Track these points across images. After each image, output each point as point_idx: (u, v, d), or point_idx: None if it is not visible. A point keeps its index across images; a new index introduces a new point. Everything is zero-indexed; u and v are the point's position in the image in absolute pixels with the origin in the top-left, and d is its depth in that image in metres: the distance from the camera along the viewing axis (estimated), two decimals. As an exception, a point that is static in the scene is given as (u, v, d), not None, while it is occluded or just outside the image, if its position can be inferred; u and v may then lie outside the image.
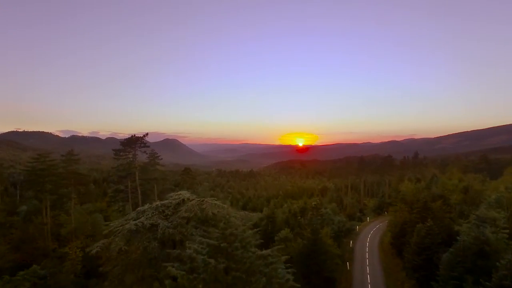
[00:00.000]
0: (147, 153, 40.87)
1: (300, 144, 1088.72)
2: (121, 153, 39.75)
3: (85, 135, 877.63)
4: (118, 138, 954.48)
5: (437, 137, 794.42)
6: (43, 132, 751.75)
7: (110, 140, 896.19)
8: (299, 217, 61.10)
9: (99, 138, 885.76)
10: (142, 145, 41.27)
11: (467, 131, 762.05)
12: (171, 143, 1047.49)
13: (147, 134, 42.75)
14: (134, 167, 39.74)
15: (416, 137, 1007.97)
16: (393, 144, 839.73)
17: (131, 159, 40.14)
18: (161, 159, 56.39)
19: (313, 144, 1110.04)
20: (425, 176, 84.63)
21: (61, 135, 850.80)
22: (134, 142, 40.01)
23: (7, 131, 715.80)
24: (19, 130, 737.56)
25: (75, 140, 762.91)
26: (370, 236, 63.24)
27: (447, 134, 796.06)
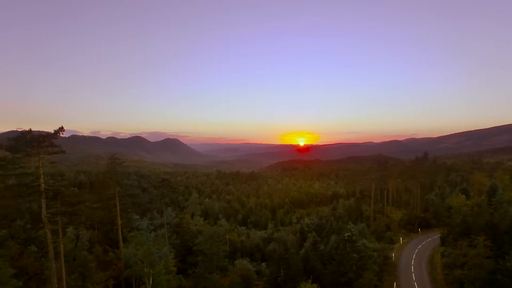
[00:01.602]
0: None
1: (301, 144, 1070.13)
2: (10, 165, 21.08)
3: (86, 134, 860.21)
4: (119, 137, 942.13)
5: (439, 137, 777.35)
6: (42, 131, 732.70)
7: (111, 140, 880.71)
8: (320, 248, 43.83)
9: (99, 138, 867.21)
10: (51, 148, 23.93)
11: (469, 131, 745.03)
12: (172, 143, 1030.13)
13: (61, 128, 25.38)
14: (37, 189, 21.50)
15: (417, 136, 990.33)
16: (394, 143, 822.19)
17: (34, 171, 21.95)
18: (126, 166, 39.65)
19: (314, 144, 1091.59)
20: (471, 185, 67.12)
21: (61, 134, 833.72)
22: (37, 143, 22.53)
23: (7, 130, 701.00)
24: (19, 130, 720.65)
25: (75, 139, 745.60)
26: (414, 270, 46.21)
27: (449, 133, 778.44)
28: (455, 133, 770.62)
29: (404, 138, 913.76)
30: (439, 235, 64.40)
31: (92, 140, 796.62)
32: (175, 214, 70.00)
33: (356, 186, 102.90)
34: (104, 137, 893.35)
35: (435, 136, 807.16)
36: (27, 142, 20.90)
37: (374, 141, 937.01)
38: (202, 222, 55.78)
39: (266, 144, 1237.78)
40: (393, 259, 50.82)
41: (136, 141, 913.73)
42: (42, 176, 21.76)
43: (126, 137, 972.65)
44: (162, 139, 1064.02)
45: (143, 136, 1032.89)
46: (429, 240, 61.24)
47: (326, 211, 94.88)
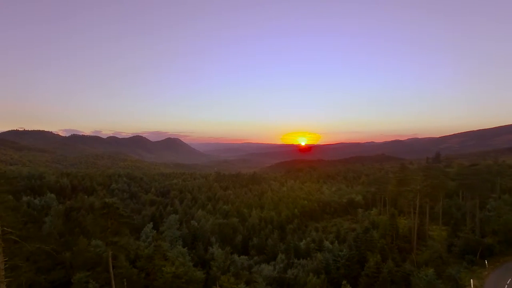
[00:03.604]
0: None
1: (303, 144, 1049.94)
2: None
3: (87, 134, 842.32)
4: (120, 137, 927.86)
5: (441, 137, 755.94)
6: (43, 131, 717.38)
7: (111, 139, 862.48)
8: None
9: (100, 137, 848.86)
10: None
11: (472, 131, 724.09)
12: (173, 143, 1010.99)
13: None
14: None
15: (419, 136, 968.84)
16: (396, 143, 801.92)
17: None
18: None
19: (315, 144, 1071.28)
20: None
21: (63, 134, 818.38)
22: None
23: (9, 129, 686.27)
24: (20, 129, 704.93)
25: (76, 139, 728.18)
26: None
27: (451, 133, 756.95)
28: (457, 133, 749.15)
29: (406, 138, 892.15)
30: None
31: (92, 140, 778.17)
32: (152, 237, 51.23)
33: (381, 195, 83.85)
34: (105, 137, 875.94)
35: (438, 136, 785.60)
36: None
37: (376, 141, 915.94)
38: (182, 260, 36.83)
39: (267, 144, 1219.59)
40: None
41: (137, 141, 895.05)
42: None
43: (127, 137, 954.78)
44: (163, 138, 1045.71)
45: (144, 135, 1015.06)
46: (511, 282, 42.51)
47: (346, 226, 76.10)
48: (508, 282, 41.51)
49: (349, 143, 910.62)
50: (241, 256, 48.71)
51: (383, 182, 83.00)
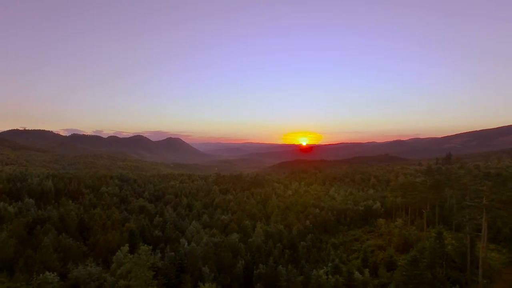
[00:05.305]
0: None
1: (304, 143, 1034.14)
2: None
3: (88, 134, 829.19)
4: (121, 137, 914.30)
5: (444, 137, 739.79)
6: (43, 130, 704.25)
7: (112, 139, 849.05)
8: None
9: (100, 137, 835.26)
10: None
11: (475, 131, 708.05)
12: (174, 142, 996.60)
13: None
14: None
15: (421, 136, 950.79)
16: (398, 143, 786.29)
17: None
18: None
19: (317, 144, 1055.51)
20: None
21: (63, 134, 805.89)
22: None
23: (9, 129, 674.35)
24: (20, 129, 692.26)
25: (76, 138, 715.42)
26: None
27: (454, 133, 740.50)
28: (460, 133, 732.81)
29: (407, 138, 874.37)
30: None
31: (93, 139, 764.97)
32: (131, 262, 37.03)
33: (408, 204, 69.87)
34: (105, 136, 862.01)
35: (440, 136, 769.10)
36: None
37: (377, 141, 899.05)
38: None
39: (268, 143, 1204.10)
40: None
41: (138, 140, 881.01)
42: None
43: (128, 136, 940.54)
44: (164, 138, 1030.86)
45: (145, 135, 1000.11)
46: None
47: (370, 242, 61.92)
48: None
49: (350, 143, 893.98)
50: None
51: (410, 191, 68.96)
